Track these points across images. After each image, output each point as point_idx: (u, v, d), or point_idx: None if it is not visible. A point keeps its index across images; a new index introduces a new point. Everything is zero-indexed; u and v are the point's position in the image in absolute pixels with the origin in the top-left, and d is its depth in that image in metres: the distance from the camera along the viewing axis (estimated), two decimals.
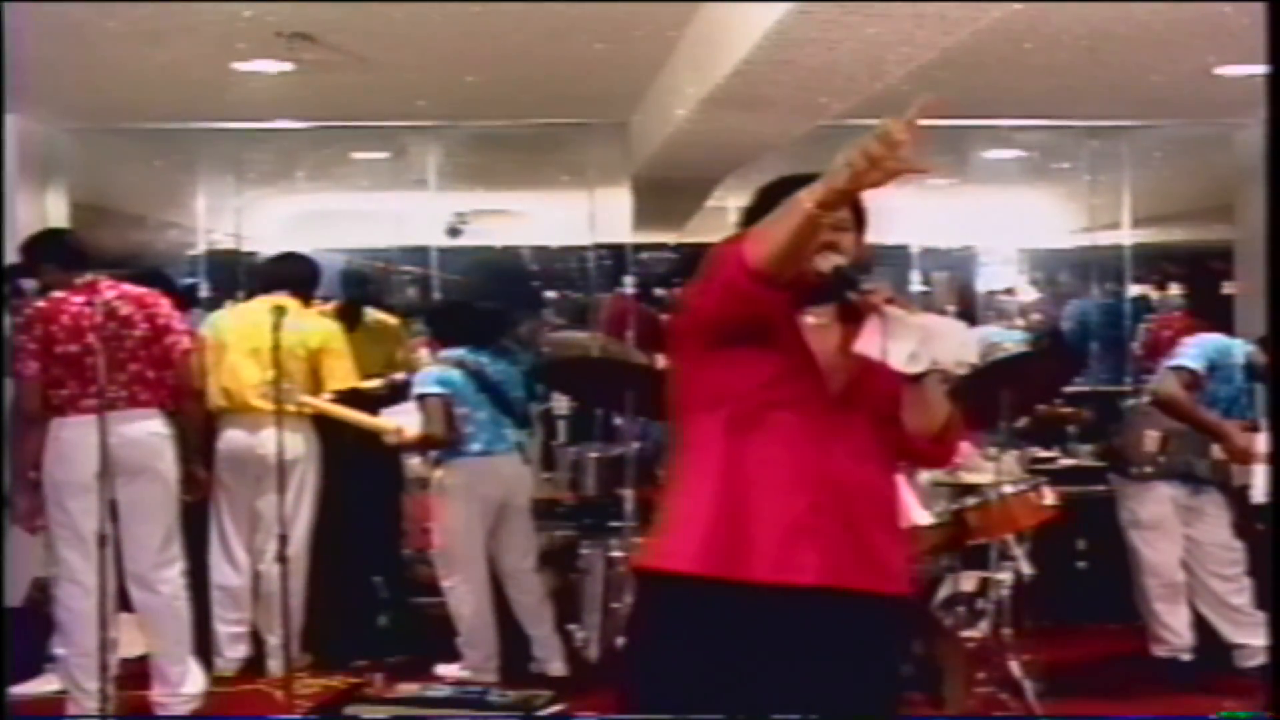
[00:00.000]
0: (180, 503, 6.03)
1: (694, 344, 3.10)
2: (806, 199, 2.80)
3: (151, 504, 5.87)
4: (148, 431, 5.83)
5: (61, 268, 5.87)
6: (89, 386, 5.60)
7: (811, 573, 2.94)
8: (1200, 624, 6.43)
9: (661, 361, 9.79)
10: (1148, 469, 6.40)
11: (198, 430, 6.19)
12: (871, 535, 3.05)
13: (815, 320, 3.10)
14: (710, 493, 3.03)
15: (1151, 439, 6.42)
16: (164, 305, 5.99)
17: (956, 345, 2.88)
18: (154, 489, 5.86)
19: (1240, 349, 6.38)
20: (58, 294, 5.78)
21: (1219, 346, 6.38)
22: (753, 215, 3.04)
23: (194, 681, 5.99)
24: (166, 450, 5.91)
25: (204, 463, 6.29)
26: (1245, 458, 6.17)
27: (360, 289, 8.14)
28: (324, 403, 6.39)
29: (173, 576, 5.96)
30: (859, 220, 3.15)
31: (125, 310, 5.80)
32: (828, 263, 2.97)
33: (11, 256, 6.69)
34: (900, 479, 3.29)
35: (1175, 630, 6.35)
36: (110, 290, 5.81)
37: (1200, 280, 11.54)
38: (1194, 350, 6.34)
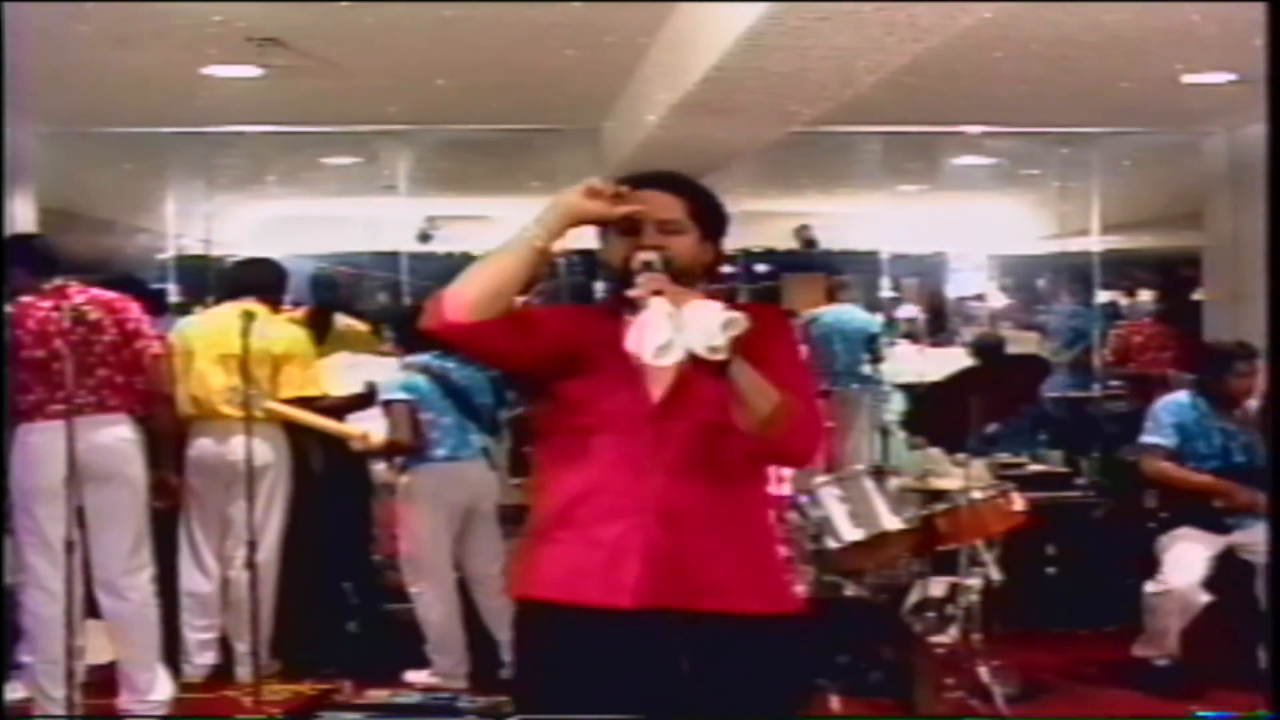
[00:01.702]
0: (150, 509, 5.99)
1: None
2: (534, 229, 2.97)
3: (120, 510, 5.83)
4: (116, 437, 5.79)
5: (31, 273, 5.83)
6: (56, 392, 5.57)
7: (628, 596, 2.89)
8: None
9: None
10: (1163, 517, 6.49)
11: (169, 435, 6.10)
12: (712, 553, 2.95)
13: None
14: (546, 520, 3.03)
15: (1151, 495, 6.59)
16: (133, 309, 5.94)
17: (703, 331, 2.68)
18: (123, 495, 5.82)
19: (1190, 401, 6.49)
20: (25, 299, 5.74)
21: (1173, 410, 6.47)
22: None
23: (162, 689, 5.95)
24: (135, 456, 5.87)
25: (176, 468, 6.24)
26: (1251, 508, 6.20)
27: (330, 294, 8.10)
28: (289, 408, 6.36)
29: (142, 583, 5.93)
30: (703, 224, 3.08)
31: (94, 315, 5.75)
32: (637, 260, 2.92)
33: None
34: (769, 489, 3.18)
35: (1170, 641, 6.31)
36: (79, 295, 5.77)
37: (1171, 287, 11.61)
38: (1152, 424, 6.48)
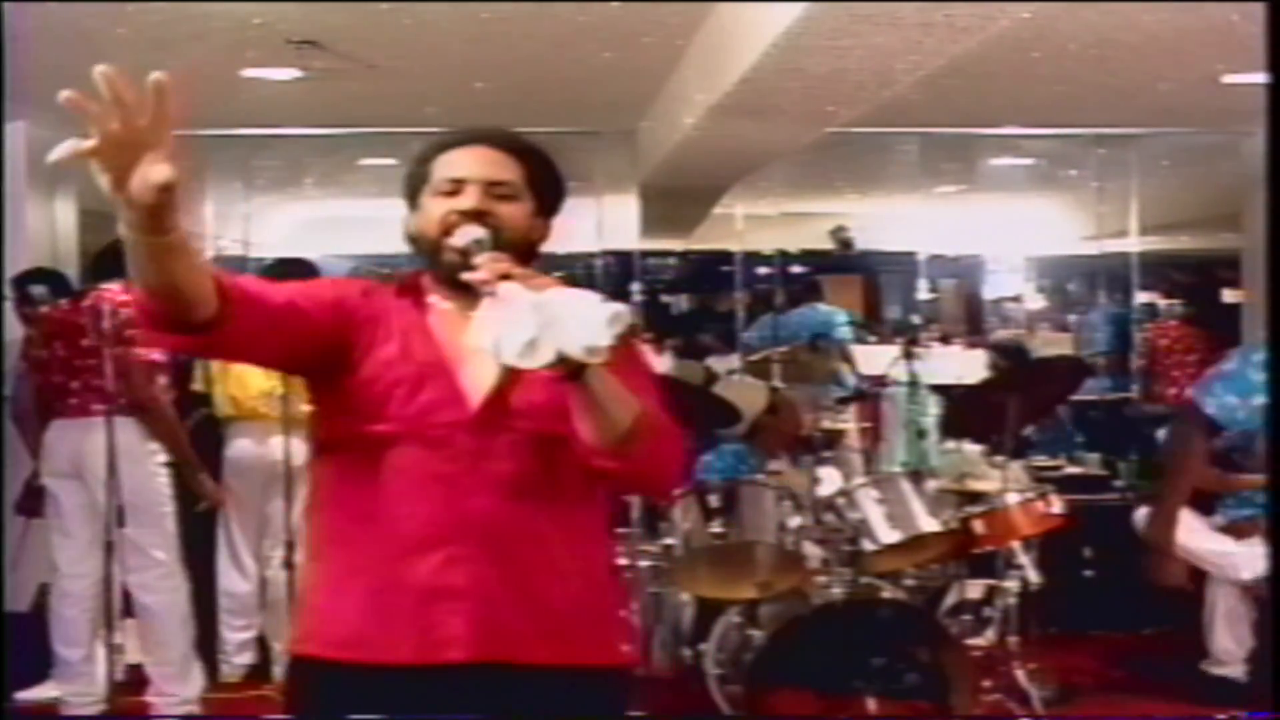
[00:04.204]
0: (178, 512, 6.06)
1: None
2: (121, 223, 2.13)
3: (85, 509, 5.95)
4: (89, 437, 5.84)
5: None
6: (77, 391, 5.83)
7: (461, 647, 2.38)
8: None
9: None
10: None
11: (171, 438, 5.96)
12: (547, 594, 2.45)
13: (450, 310, 2.51)
14: (334, 560, 2.50)
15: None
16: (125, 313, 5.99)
17: (581, 330, 2.14)
18: (95, 494, 5.88)
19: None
20: (64, 302, 5.92)
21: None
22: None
23: (192, 686, 5.99)
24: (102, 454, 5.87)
25: (210, 472, 6.21)
26: (1240, 488, 6.35)
27: None
28: None
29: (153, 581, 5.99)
30: (541, 194, 2.59)
31: (124, 315, 5.82)
32: (463, 237, 2.43)
33: (23, 261, 6.87)
34: (603, 517, 2.63)
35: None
36: (122, 295, 5.84)
37: (1199, 289, 11.55)
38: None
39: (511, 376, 2.36)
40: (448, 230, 2.48)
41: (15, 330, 6.85)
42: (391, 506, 2.43)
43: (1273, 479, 5.55)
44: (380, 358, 2.46)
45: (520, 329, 2.15)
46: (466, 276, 2.32)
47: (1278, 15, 3.93)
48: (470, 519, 2.40)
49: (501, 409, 2.40)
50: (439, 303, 2.54)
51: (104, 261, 6.13)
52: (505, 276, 2.25)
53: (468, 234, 2.43)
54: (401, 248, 2.73)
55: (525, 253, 2.51)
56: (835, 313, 10.55)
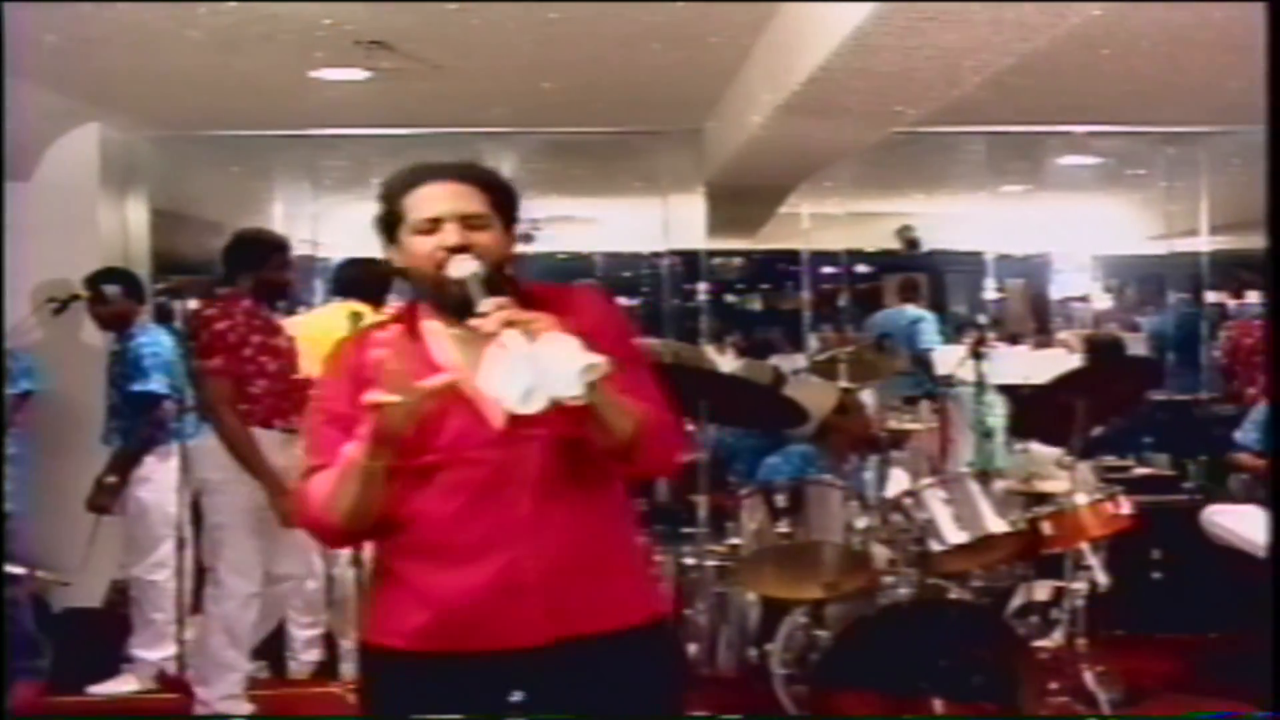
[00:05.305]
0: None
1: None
2: (355, 451, 2.63)
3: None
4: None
5: (254, 268, 6.00)
6: None
7: (532, 634, 2.69)
8: None
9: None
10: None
11: (235, 448, 5.75)
12: (592, 571, 2.75)
13: (450, 333, 2.77)
14: (407, 566, 2.78)
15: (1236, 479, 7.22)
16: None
17: (563, 380, 2.45)
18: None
19: None
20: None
21: (1264, 409, 6.87)
22: None
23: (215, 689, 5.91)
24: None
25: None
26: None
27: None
28: None
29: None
30: (505, 215, 2.85)
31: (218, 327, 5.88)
32: (459, 269, 2.68)
33: (96, 261, 6.96)
34: (621, 492, 2.91)
35: None
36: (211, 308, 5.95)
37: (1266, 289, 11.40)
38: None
39: None
40: (439, 265, 2.72)
41: (91, 331, 6.95)
42: (448, 520, 2.72)
43: (1273, 480, 5.51)
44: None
45: (518, 379, 2.47)
46: (475, 323, 2.57)
47: (1278, 15, 3.89)
48: (517, 524, 2.70)
49: (523, 423, 2.58)
50: (438, 328, 2.80)
51: (233, 254, 6.10)
52: (511, 322, 2.51)
53: (464, 266, 2.68)
54: None
55: (505, 269, 2.79)
56: (920, 316, 10.58)
